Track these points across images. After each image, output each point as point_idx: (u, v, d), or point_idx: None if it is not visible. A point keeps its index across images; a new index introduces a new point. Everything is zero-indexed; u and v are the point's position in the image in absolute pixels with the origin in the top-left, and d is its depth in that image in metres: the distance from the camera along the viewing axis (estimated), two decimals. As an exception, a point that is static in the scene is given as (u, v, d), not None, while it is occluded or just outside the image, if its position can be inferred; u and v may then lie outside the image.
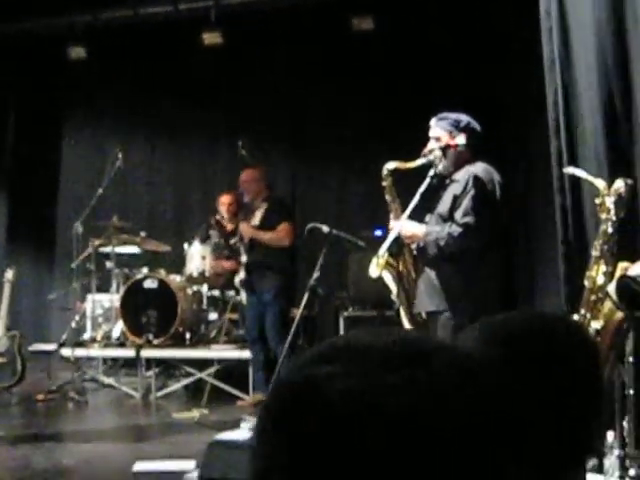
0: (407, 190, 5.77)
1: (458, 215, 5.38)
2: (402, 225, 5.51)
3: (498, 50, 9.91)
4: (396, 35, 10.98)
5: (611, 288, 4.42)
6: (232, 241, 9.45)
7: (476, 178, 5.41)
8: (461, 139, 5.52)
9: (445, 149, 5.54)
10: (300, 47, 11.42)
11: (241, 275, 8.90)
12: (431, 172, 5.56)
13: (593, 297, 4.69)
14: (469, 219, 5.33)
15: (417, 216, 5.58)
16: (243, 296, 9.19)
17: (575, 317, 4.62)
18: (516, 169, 8.88)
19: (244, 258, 8.78)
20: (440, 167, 5.57)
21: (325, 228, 7.37)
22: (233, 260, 9.35)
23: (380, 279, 5.60)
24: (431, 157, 5.57)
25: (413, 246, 5.63)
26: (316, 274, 7.12)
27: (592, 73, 5.45)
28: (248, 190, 8.79)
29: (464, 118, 5.64)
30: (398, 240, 5.53)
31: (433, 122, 5.66)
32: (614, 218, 4.64)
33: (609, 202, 4.65)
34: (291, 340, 7.27)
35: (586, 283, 4.74)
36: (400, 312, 5.68)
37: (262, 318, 8.57)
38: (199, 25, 11.19)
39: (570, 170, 5.17)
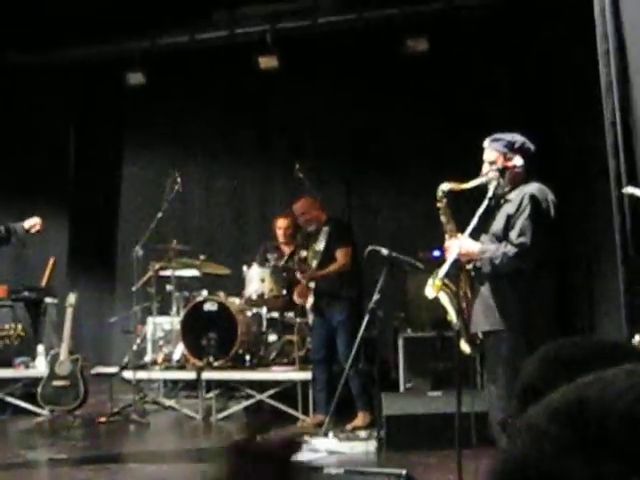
0: (462, 211, 5.78)
1: (513, 235, 5.37)
2: (461, 243, 5.50)
3: (553, 70, 9.86)
4: (451, 56, 11.00)
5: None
6: (281, 263, 9.55)
7: (530, 197, 5.38)
8: (517, 160, 5.51)
9: (502, 170, 5.51)
10: (356, 69, 11.47)
11: (310, 300, 8.91)
12: (489, 194, 5.54)
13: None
14: (524, 239, 5.31)
15: (474, 237, 5.57)
16: (310, 318, 9.19)
17: (637, 337, 4.58)
18: (574, 189, 8.81)
19: (312, 284, 8.84)
20: (496, 188, 5.56)
21: (384, 251, 7.37)
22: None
23: (437, 300, 5.60)
24: (486, 178, 5.56)
25: (470, 266, 5.61)
26: (376, 296, 7.16)
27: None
28: (309, 219, 8.82)
29: (519, 139, 5.61)
30: (456, 261, 5.53)
31: (487, 143, 5.64)
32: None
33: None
34: (352, 362, 7.42)
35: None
36: (459, 333, 5.67)
37: (331, 340, 8.57)
38: (255, 49, 11.27)
39: (629, 190, 5.13)
